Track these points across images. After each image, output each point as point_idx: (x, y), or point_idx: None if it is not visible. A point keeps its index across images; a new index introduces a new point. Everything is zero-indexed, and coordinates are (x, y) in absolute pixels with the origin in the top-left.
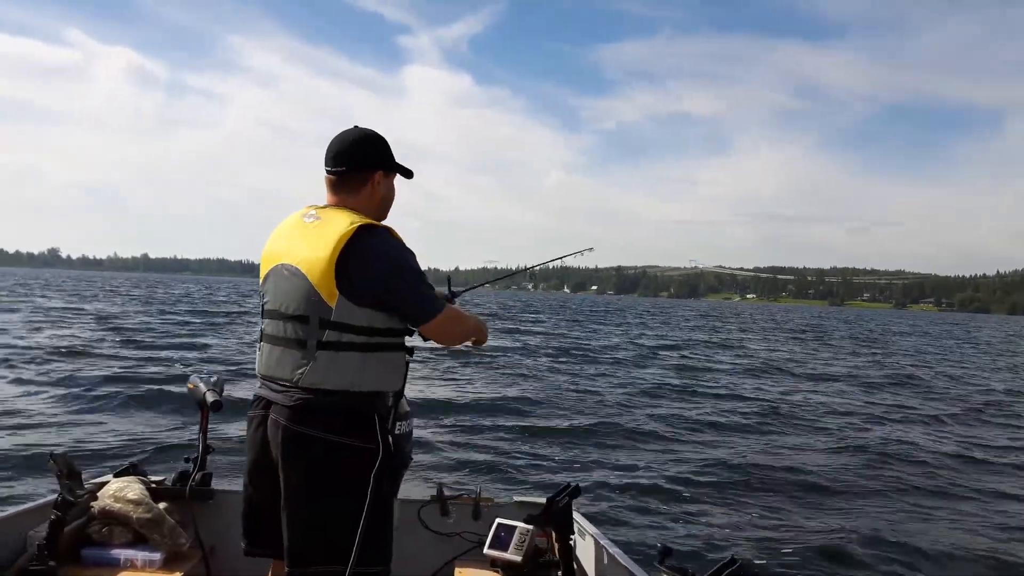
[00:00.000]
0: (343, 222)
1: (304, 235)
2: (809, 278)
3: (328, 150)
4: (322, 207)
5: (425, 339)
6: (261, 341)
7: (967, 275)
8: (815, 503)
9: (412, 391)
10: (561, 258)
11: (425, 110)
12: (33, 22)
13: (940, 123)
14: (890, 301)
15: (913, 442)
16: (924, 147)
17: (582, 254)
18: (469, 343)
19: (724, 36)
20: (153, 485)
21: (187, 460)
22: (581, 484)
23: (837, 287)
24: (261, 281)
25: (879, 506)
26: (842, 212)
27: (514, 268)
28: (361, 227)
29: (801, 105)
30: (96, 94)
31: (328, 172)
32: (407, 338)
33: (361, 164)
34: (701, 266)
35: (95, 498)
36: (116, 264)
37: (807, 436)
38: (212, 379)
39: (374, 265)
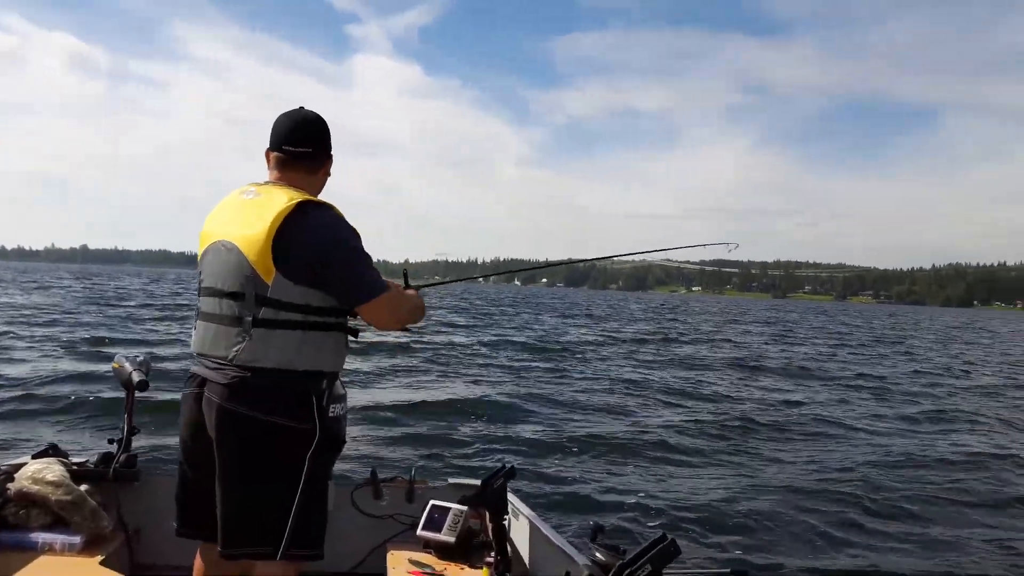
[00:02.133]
0: (283, 197)
1: (242, 211)
2: (753, 271)
3: (285, 128)
4: (263, 184)
5: (367, 322)
6: (197, 319)
7: (905, 268)
8: (749, 483)
9: (346, 374)
10: (703, 246)
11: (375, 100)
12: None
13: (884, 119)
14: (831, 293)
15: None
16: (868, 143)
17: (729, 250)
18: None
19: (674, 30)
20: (74, 467)
21: (111, 441)
22: (517, 466)
23: (780, 280)
24: (199, 259)
25: (803, 476)
26: (789, 206)
27: (465, 261)
28: (301, 202)
29: (750, 100)
30: (35, 80)
31: (286, 150)
32: (350, 320)
33: (324, 147)
34: (649, 259)
35: (11, 479)
36: (54, 255)
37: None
38: (138, 359)
39: (312, 241)
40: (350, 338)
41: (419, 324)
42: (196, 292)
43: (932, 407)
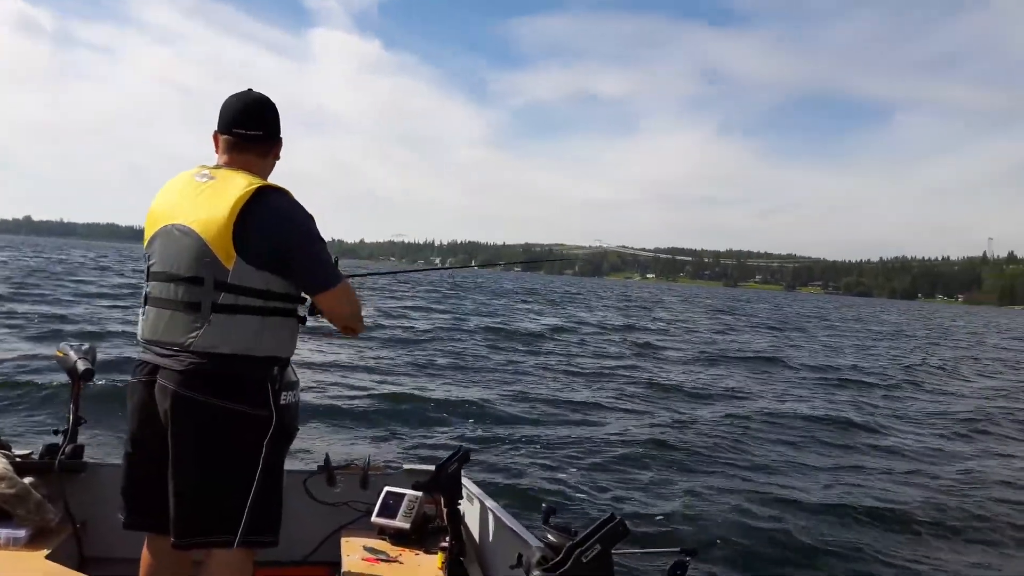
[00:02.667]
0: (241, 182)
1: (198, 195)
2: (706, 259)
3: (234, 111)
4: (215, 167)
5: (315, 312)
6: (146, 305)
7: (853, 260)
8: (695, 465)
9: (297, 361)
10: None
11: (333, 75)
12: None
13: (838, 113)
14: (780, 283)
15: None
16: (822, 136)
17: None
18: (345, 329)
19: (637, 17)
20: (18, 459)
21: (56, 432)
22: (471, 450)
23: (732, 269)
24: (146, 242)
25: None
26: (742, 196)
27: (422, 242)
28: (260, 188)
29: (709, 91)
30: None
31: (237, 133)
32: (299, 308)
33: (275, 130)
34: (605, 246)
35: None
36: None
37: (692, 402)
38: (84, 347)
39: (275, 227)
40: (300, 325)
41: (362, 329)
42: (144, 276)
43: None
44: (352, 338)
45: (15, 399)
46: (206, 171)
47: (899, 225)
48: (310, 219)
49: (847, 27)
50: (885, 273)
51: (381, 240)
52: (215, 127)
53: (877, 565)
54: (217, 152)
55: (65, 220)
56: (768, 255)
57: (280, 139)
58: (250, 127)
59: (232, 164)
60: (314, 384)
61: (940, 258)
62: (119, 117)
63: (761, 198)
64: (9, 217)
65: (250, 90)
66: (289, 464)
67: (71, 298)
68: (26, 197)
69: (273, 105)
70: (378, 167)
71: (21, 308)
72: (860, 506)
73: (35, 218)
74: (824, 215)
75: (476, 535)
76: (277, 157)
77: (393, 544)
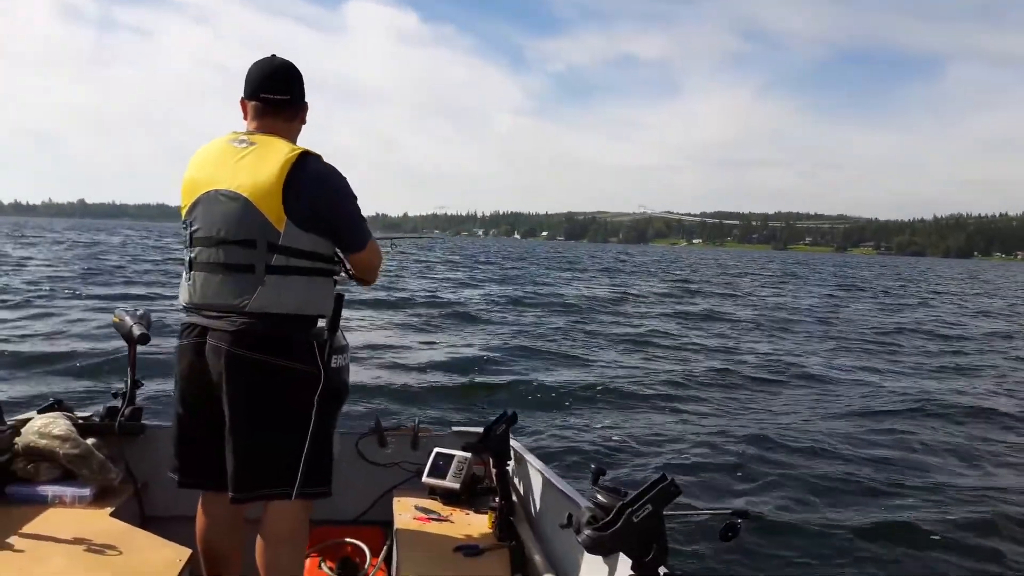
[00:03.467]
0: (284, 147)
1: (238, 160)
2: (754, 223)
3: (260, 76)
4: (251, 133)
5: (345, 270)
6: (192, 270)
7: (905, 219)
8: (749, 429)
9: (349, 325)
10: None
11: (370, 48)
12: None
13: (885, 67)
14: (831, 245)
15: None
16: (870, 91)
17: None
18: (363, 281)
19: None
20: (80, 421)
21: (115, 395)
22: (518, 412)
23: (780, 232)
24: (185, 210)
25: (808, 427)
26: (789, 156)
27: (464, 214)
28: (303, 153)
29: (750, 48)
30: (23, 30)
31: (265, 98)
32: (338, 268)
33: (302, 94)
34: (650, 212)
35: (18, 434)
36: (51, 210)
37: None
38: (138, 312)
39: (319, 190)
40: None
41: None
42: (186, 243)
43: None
44: (365, 288)
45: (76, 364)
46: (244, 137)
47: (953, 182)
48: (346, 180)
49: None
50: (939, 231)
51: (424, 213)
52: (240, 99)
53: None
54: (245, 119)
55: (117, 202)
56: (818, 216)
57: (306, 103)
58: (277, 91)
59: (263, 129)
60: (364, 348)
61: (997, 215)
62: (162, 98)
63: (807, 158)
64: (64, 201)
65: (274, 56)
66: (341, 426)
67: (128, 265)
68: (80, 180)
69: (297, 70)
70: (417, 139)
71: (83, 274)
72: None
73: (88, 201)
74: (873, 173)
75: (525, 495)
76: (303, 121)
77: (443, 504)
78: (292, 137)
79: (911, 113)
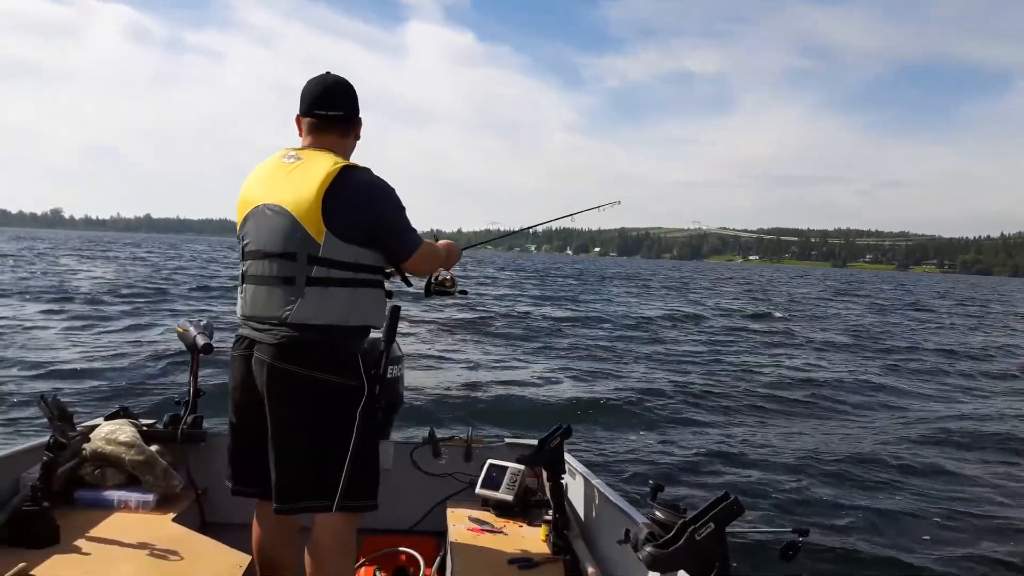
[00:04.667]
0: (328, 161)
1: (287, 175)
2: (812, 239)
3: (315, 93)
4: (301, 148)
5: (403, 278)
6: (244, 283)
7: (971, 237)
8: (812, 446)
9: (404, 339)
10: (586, 211)
11: (428, 68)
12: None
13: (948, 83)
14: (893, 263)
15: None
16: (932, 107)
17: (602, 209)
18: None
19: None
20: (144, 428)
21: (178, 403)
22: (573, 426)
23: (840, 249)
24: (239, 224)
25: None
26: (848, 173)
27: (517, 228)
28: (346, 166)
29: (808, 64)
30: (95, 52)
31: (319, 114)
32: (385, 282)
33: (355, 110)
34: (704, 228)
35: (87, 440)
36: (119, 225)
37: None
38: (202, 323)
39: (361, 201)
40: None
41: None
42: (240, 256)
43: None
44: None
45: (142, 372)
46: (292, 152)
47: (1021, 198)
48: (392, 191)
49: None
50: (1007, 249)
51: (477, 229)
52: (295, 116)
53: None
54: (300, 135)
55: (181, 217)
56: (878, 233)
57: (359, 119)
58: (331, 108)
59: (315, 144)
60: (419, 358)
61: None
62: (224, 117)
63: (867, 175)
64: (131, 216)
65: (328, 73)
66: (396, 435)
67: (191, 279)
68: (146, 197)
69: (351, 86)
70: (471, 156)
71: (149, 288)
72: None
73: (154, 216)
74: (936, 190)
75: (579, 510)
76: (358, 137)
77: (497, 516)
78: (345, 152)
79: (975, 129)
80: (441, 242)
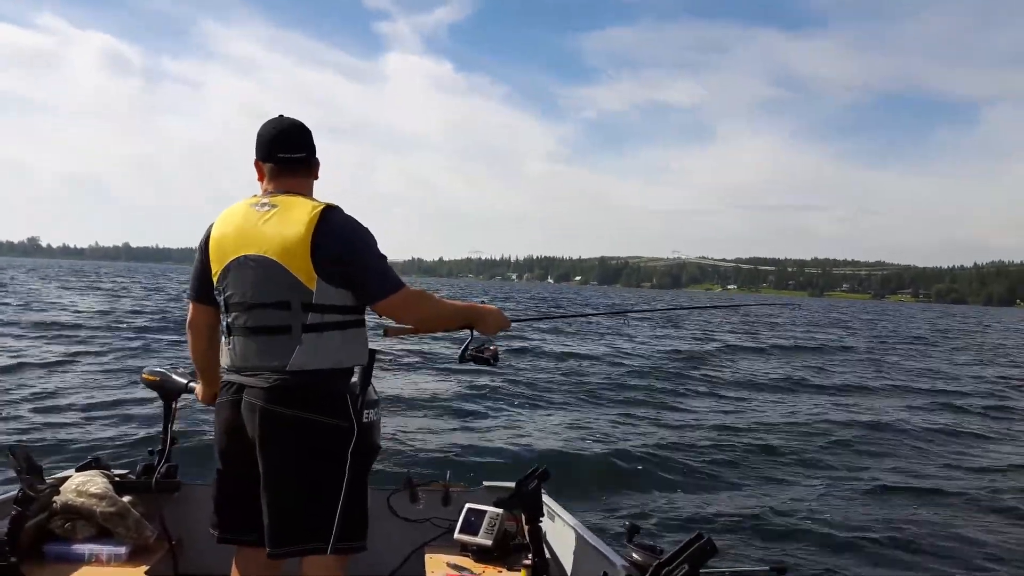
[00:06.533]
0: (305, 205)
1: (263, 224)
2: (790, 269)
3: (275, 136)
4: (272, 195)
5: (380, 316)
6: (231, 335)
7: (945, 266)
8: (783, 482)
9: (379, 383)
10: (761, 306)
11: (407, 98)
12: (3, 5)
13: (921, 113)
14: (868, 292)
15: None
16: (905, 137)
17: (777, 307)
18: (480, 331)
19: (704, 24)
20: (117, 479)
21: (151, 452)
22: (550, 468)
23: (817, 278)
24: (216, 276)
25: (848, 488)
26: (825, 201)
27: (498, 258)
28: (325, 208)
29: (783, 94)
30: (73, 81)
31: (282, 158)
32: (375, 319)
33: (313, 151)
34: (684, 257)
35: (57, 492)
36: (97, 253)
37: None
38: (177, 368)
39: (341, 242)
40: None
41: (498, 330)
42: (222, 309)
43: None
44: (418, 334)
45: (112, 421)
46: (264, 200)
47: (993, 228)
48: (368, 232)
49: (927, 23)
50: (980, 279)
51: (459, 257)
52: (254, 161)
53: None
54: (260, 180)
55: (160, 246)
56: (855, 263)
57: (318, 159)
58: (293, 150)
59: (280, 188)
60: (392, 404)
61: None
62: (206, 146)
63: (843, 203)
64: (110, 244)
65: (282, 116)
66: (372, 481)
67: (166, 317)
68: (124, 226)
69: (307, 128)
70: (453, 185)
71: (123, 326)
72: None
73: (133, 244)
74: (911, 219)
75: (558, 552)
76: (316, 177)
77: (476, 561)
78: (310, 193)
79: (949, 158)
80: (484, 306)
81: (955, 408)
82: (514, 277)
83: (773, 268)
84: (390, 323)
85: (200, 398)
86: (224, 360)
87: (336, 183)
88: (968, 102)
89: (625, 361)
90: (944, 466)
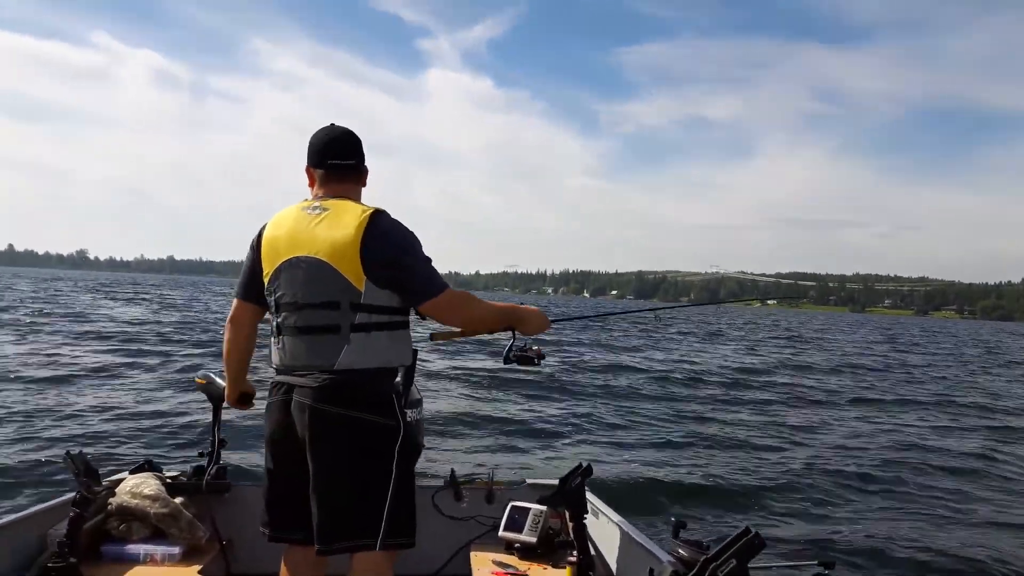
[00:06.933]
0: (356, 209)
1: (315, 226)
2: (831, 284)
3: (327, 144)
4: (323, 199)
5: (423, 317)
6: (280, 335)
7: (991, 282)
8: (833, 486)
9: (420, 379)
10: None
11: (447, 113)
12: (60, 24)
13: (968, 127)
14: (911, 308)
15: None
16: (950, 152)
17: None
18: (520, 331)
19: (745, 39)
20: (169, 480)
21: (202, 455)
22: (593, 464)
23: (858, 294)
24: (267, 277)
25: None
26: (866, 217)
27: (534, 272)
28: (375, 212)
29: (825, 109)
30: (122, 96)
31: (333, 164)
32: (423, 321)
33: (363, 158)
34: (723, 271)
35: (112, 495)
36: (143, 266)
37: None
38: (223, 373)
39: (389, 245)
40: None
41: (537, 331)
42: (272, 309)
43: None
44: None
45: (164, 425)
46: (316, 204)
47: None
48: (414, 236)
49: (973, 38)
50: None
51: (495, 271)
52: (305, 167)
53: None
54: (311, 186)
55: (204, 259)
56: (897, 278)
57: (367, 167)
58: (344, 157)
59: (331, 194)
60: (436, 403)
61: None
62: (248, 160)
63: (886, 219)
64: (155, 257)
65: (333, 124)
66: (416, 480)
67: (212, 325)
68: (169, 239)
69: (358, 136)
70: (491, 200)
71: (171, 334)
72: None
73: (177, 257)
74: (956, 235)
75: (603, 549)
76: (365, 184)
77: (520, 558)
78: (357, 199)
79: (995, 173)
80: (525, 307)
81: None
82: (550, 291)
83: (813, 283)
84: (436, 326)
85: (227, 398)
86: (274, 359)
87: (372, 198)
88: (1015, 116)
89: (662, 369)
90: None
